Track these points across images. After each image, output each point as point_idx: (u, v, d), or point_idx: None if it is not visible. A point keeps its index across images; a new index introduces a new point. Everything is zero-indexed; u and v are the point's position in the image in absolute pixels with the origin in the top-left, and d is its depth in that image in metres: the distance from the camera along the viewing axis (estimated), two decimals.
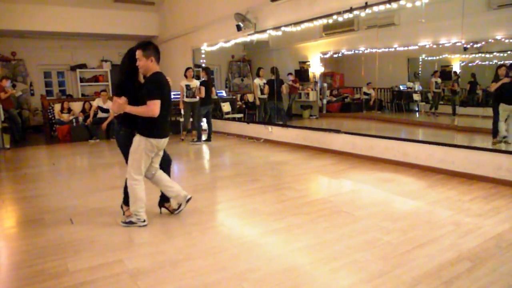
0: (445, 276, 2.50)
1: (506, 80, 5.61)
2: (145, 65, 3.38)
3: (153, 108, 3.28)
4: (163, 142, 3.54)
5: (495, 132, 5.68)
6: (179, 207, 3.80)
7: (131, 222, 3.56)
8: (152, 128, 3.41)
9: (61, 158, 7.63)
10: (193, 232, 3.41)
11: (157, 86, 3.37)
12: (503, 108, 5.64)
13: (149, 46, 3.41)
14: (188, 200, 3.76)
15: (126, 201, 3.69)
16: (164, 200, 3.87)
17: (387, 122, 8.44)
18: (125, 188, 3.63)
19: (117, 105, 3.33)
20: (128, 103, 3.35)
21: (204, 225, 3.56)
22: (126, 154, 3.55)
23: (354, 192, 4.58)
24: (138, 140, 3.41)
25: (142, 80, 3.56)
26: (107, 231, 3.47)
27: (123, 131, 3.53)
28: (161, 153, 3.66)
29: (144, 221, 3.55)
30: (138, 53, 3.37)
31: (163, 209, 3.90)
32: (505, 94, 5.64)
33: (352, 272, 2.60)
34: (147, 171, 3.60)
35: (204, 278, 2.57)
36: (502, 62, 5.94)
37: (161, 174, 3.69)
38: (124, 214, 3.73)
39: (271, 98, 8.80)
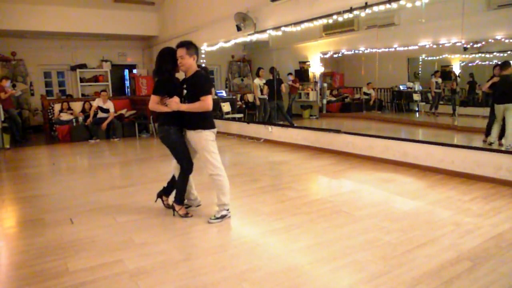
0: (445, 276, 2.50)
1: (495, 79, 5.48)
2: (188, 63, 3.45)
3: (209, 102, 3.45)
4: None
5: (488, 131, 5.57)
6: (187, 206, 3.93)
7: (223, 216, 3.61)
8: (210, 119, 3.58)
9: (61, 158, 7.62)
10: (193, 232, 3.41)
11: (208, 82, 3.59)
12: (496, 108, 5.46)
13: (191, 45, 3.47)
14: (197, 206, 3.96)
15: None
16: (165, 192, 3.96)
17: (387, 122, 8.44)
18: (177, 182, 3.75)
19: (175, 104, 3.42)
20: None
21: (204, 225, 3.55)
22: (179, 150, 3.66)
23: (354, 192, 4.58)
24: (205, 135, 3.52)
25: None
26: (107, 231, 3.47)
27: (173, 129, 3.62)
28: None
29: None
30: (182, 52, 3.41)
31: (159, 200, 3.99)
32: (496, 93, 5.52)
33: (352, 272, 2.60)
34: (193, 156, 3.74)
35: (204, 278, 2.57)
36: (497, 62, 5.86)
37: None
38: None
39: (271, 98, 8.81)
